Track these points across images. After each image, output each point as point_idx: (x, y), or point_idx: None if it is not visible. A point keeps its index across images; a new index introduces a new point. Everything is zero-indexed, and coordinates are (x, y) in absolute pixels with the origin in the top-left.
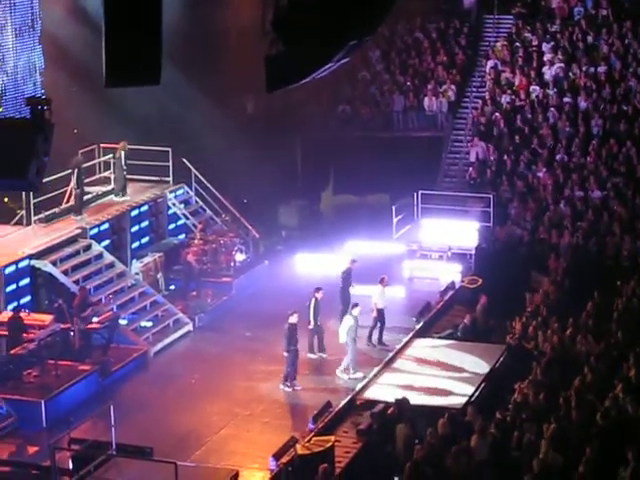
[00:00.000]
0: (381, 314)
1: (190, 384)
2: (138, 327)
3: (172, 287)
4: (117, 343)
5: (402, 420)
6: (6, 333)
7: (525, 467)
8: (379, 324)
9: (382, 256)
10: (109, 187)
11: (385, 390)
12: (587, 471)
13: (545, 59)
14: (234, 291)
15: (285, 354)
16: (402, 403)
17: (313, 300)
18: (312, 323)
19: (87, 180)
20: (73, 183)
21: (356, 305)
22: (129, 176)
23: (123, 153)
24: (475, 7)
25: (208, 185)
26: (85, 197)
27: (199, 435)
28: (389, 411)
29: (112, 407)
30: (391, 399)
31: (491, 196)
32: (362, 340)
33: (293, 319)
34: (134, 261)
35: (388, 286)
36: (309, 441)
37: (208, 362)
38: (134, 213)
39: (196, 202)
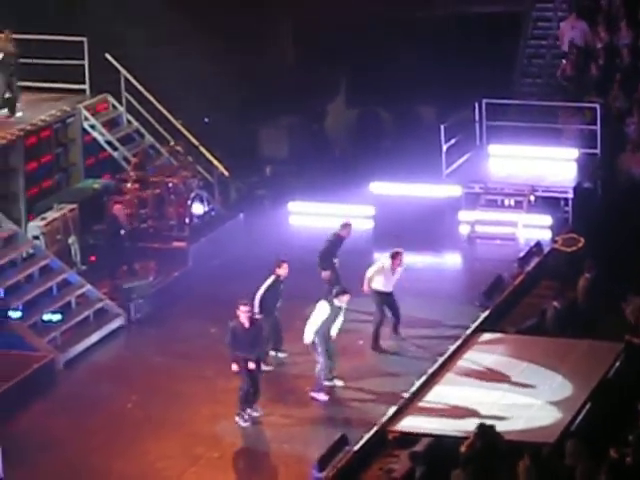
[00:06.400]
0: (388, 300)
1: (124, 410)
2: (39, 322)
3: (93, 258)
4: (6, 348)
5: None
6: None
7: None
8: (391, 315)
9: (425, 204)
10: None
11: (429, 418)
12: None
13: None
14: (191, 263)
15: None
16: (488, 433)
17: (272, 278)
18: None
19: None
20: None
21: (344, 292)
22: (21, 83)
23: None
24: None
25: (147, 95)
26: None
27: None
28: (464, 447)
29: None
30: (439, 431)
31: (597, 106)
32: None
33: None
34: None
35: (401, 267)
36: None
37: (151, 376)
38: (30, 142)
39: (128, 122)
